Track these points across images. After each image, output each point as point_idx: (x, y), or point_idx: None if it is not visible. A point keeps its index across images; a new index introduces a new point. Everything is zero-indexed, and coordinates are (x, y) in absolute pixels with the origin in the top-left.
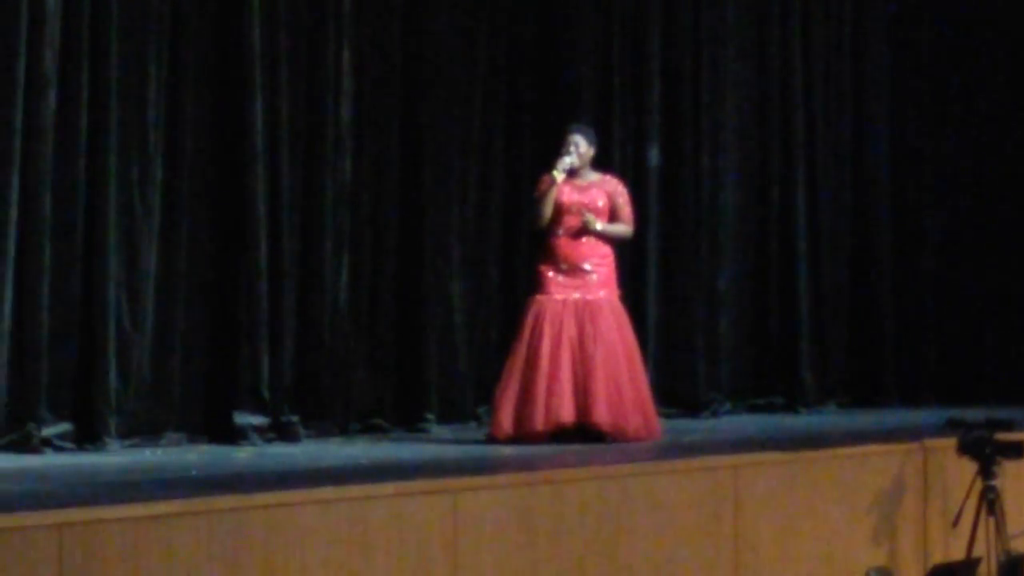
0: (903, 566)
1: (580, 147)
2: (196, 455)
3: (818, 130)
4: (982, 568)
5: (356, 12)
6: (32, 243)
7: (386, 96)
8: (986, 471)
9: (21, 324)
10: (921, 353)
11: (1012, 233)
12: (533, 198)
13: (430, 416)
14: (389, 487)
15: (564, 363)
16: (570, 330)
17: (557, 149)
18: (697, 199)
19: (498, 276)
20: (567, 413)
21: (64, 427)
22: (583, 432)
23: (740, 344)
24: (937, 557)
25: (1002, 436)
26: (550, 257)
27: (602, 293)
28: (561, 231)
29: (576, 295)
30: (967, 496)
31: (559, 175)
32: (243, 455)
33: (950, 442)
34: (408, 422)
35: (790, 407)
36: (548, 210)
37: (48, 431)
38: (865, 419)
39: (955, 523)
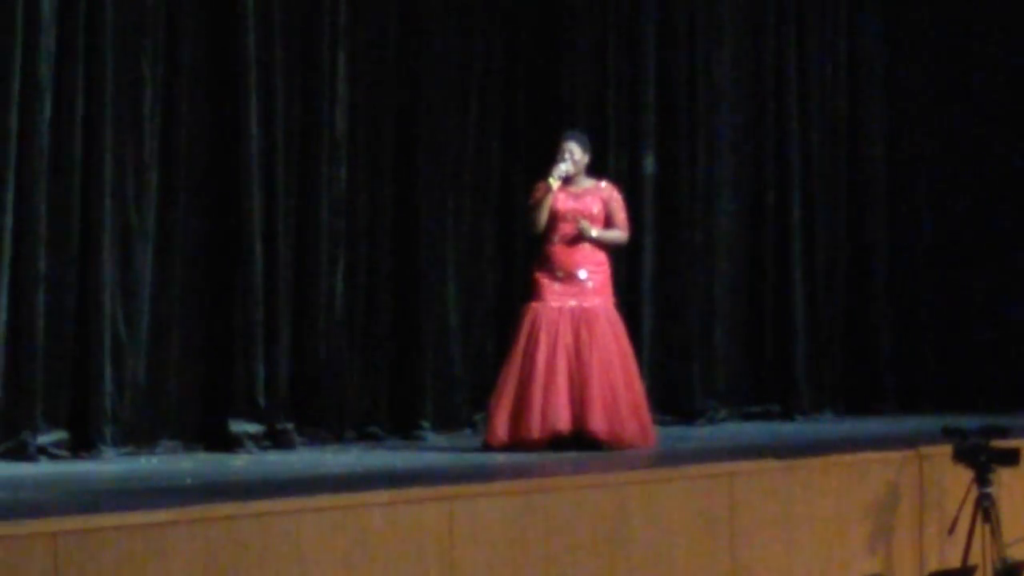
0: (899, 573)
1: (575, 154)
2: (191, 463)
3: (813, 136)
4: None
5: (352, 18)
6: (27, 250)
7: (382, 102)
8: (982, 478)
9: (17, 332)
10: (917, 360)
11: (1009, 240)
12: (528, 205)
13: (426, 424)
14: (384, 495)
15: (560, 371)
16: (566, 337)
17: (552, 156)
18: (692, 206)
19: (494, 283)
20: (563, 421)
21: (59, 435)
22: (579, 440)
23: (736, 351)
24: (933, 565)
25: (998, 443)
26: (546, 264)
27: (598, 300)
28: (557, 238)
29: (572, 302)
30: (963, 503)
31: (554, 182)
32: (238, 463)
33: (946, 449)
34: (404, 430)
35: (786, 414)
36: (544, 217)
37: (43, 439)
38: (861, 426)
39: (951, 530)
